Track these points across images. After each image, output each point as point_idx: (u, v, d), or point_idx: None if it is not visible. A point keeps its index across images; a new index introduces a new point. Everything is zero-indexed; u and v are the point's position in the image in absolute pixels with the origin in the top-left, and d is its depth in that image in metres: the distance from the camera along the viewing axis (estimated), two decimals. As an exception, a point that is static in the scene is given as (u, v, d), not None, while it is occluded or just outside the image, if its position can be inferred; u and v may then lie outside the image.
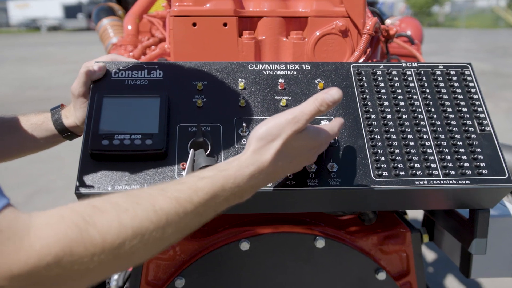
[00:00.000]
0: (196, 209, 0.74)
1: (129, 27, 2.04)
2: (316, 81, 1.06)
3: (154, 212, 0.69)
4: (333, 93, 0.81)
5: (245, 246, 1.11)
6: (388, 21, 2.27)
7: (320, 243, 1.12)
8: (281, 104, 1.02)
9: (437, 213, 1.23)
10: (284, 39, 1.24)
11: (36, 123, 1.11)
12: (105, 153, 0.91)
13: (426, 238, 1.24)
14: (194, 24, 1.18)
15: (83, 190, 0.89)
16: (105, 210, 0.66)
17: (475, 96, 1.07)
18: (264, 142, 0.80)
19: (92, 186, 0.89)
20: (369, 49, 1.26)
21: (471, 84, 1.08)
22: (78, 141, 1.14)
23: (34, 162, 4.81)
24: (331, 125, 0.89)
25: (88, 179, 0.90)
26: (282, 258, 1.14)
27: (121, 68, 1.04)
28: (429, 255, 3.24)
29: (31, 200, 4.27)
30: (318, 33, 1.22)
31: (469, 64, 1.12)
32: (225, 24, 1.19)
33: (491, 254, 1.12)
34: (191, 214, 0.73)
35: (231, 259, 1.12)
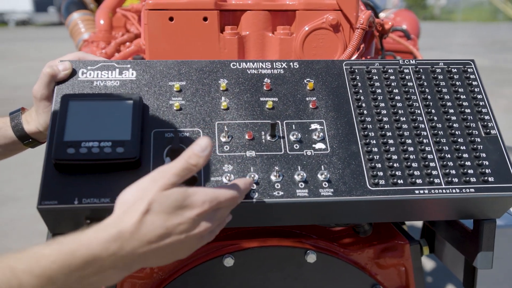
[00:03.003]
0: (39, 282, 0.64)
1: (102, 22, 2.01)
2: (305, 81, 1.04)
3: None
4: (201, 142, 0.78)
5: (229, 262, 1.08)
6: (382, 15, 2.26)
7: (311, 257, 1.10)
8: (267, 106, 0.99)
9: (437, 223, 1.21)
10: (270, 35, 1.21)
11: None
12: (71, 163, 0.87)
13: (426, 250, 1.22)
14: (171, 19, 1.15)
15: (46, 204, 0.85)
16: None
17: (479, 96, 1.05)
18: (127, 206, 0.75)
19: (56, 200, 0.85)
20: (362, 45, 1.23)
21: (474, 83, 1.06)
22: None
23: (-1, 168, 4.73)
24: (220, 187, 0.82)
25: (52, 192, 0.86)
26: (270, 275, 1.11)
27: (89, 67, 1.00)
28: (429, 267, 3.23)
29: (-3, 210, 4.19)
30: (307, 28, 1.19)
31: (472, 60, 1.10)
32: (205, 19, 1.16)
33: (498, 268, 1.10)
34: None
35: (214, 277, 1.10)
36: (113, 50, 1.81)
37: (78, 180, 0.88)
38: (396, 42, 1.88)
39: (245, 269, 1.10)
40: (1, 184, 4.72)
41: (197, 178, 0.86)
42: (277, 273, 1.11)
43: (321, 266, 1.11)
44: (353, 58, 1.18)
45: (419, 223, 1.39)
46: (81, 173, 0.88)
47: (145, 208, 0.73)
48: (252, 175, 0.91)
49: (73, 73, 0.99)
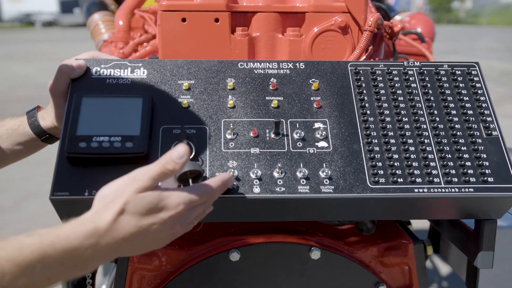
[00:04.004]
0: (19, 270, 0.69)
1: (121, 23, 2.05)
2: (310, 81, 1.06)
3: None
4: (179, 149, 0.81)
5: (235, 256, 1.11)
6: (397, 17, 2.27)
7: (315, 254, 1.12)
8: (272, 105, 1.02)
9: (442, 223, 1.22)
10: (280, 36, 1.24)
11: (12, 127, 1.11)
12: (83, 156, 0.92)
13: (430, 250, 1.23)
14: (184, 20, 1.19)
15: (58, 196, 0.89)
16: None
17: (482, 98, 1.06)
18: (104, 203, 0.79)
19: (68, 192, 0.90)
20: (370, 47, 1.25)
21: (478, 85, 1.08)
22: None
23: (22, 165, 4.80)
24: (195, 187, 0.85)
25: (64, 184, 0.91)
26: (275, 270, 1.14)
27: (102, 66, 1.04)
28: (433, 268, 3.23)
29: (20, 205, 4.29)
30: (316, 30, 1.22)
31: (476, 63, 1.11)
32: (216, 20, 1.19)
33: (500, 268, 1.11)
34: (11, 275, 0.68)
35: (220, 270, 1.13)
36: (131, 50, 1.86)
37: (89, 173, 0.92)
38: (409, 45, 1.89)
39: (251, 264, 1.13)
40: (24, 180, 4.83)
41: (202, 173, 0.89)
42: (282, 269, 1.14)
43: (325, 262, 1.13)
44: (361, 59, 1.20)
45: (427, 225, 1.40)
46: (92, 166, 0.92)
47: (120, 208, 0.77)
48: (255, 171, 0.94)
49: (87, 71, 1.04)
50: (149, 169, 0.81)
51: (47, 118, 1.09)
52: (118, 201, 0.78)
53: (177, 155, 0.81)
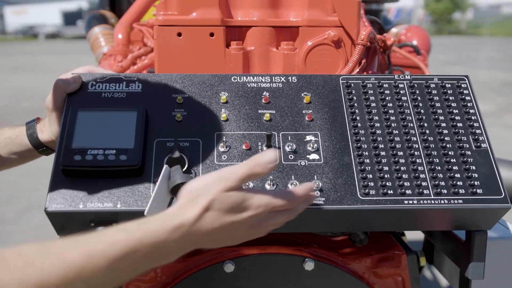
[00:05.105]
0: (111, 264, 0.74)
1: (120, 36, 2.08)
2: (302, 94, 1.08)
3: (63, 266, 0.71)
4: (269, 155, 0.82)
5: (229, 267, 1.12)
6: (394, 30, 2.29)
7: (309, 265, 1.13)
8: (264, 118, 1.04)
9: (435, 235, 1.23)
10: (274, 50, 1.26)
11: (10, 137, 1.13)
12: (77, 169, 0.93)
13: (423, 261, 1.24)
14: (180, 34, 1.21)
15: (53, 208, 0.91)
16: (11, 262, 0.69)
17: (471, 111, 1.08)
18: (190, 198, 0.82)
19: (62, 204, 0.91)
20: (363, 60, 1.27)
21: (467, 98, 1.09)
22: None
23: (25, 176, 4.85)
24: (278, 192, 0.86)
25: (59, 196, 0.92)
26: (269, 281, 1.14)
27: (98, 80, 1.06)
28: (429, 279, 3.23)
29: (22, 216, 4.30)
30: (309, 44, 1.24)
31: (466, 76, 1.13)
32: (211, 34, 1.21)
33: (492, 279, 1.12)
34: (104, 269, 0.73)
35: (214, 282, 1.13)
36: (129, 63, 1.88)
37: (84, 186, 0.93)
38: (405, 57, 1.91)
39: (245, 275, 1.14)
40: (27, 191, 4.84)
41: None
42: (276, 280, 1.15)
43: (319, 274, 1.14)
44: (354, 72, 1.22)
45: (422, 236, 1.41)
46: (87, 178, 0.94)
47: (206, 205, 0.80)
48: (247, 184, 0.96)
49: (83, 85, 1.06)
50: (237, 171, 0.83)
51: (45, 132, 1.11)
52: (205, 197, 0.81)
53: (266, 160, 0.82)
